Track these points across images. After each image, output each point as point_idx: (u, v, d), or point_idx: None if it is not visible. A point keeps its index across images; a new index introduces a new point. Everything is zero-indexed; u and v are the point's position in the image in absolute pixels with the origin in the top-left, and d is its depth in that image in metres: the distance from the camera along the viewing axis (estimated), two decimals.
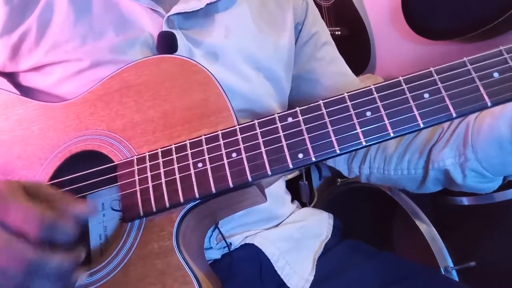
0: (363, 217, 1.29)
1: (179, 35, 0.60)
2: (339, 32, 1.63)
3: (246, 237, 0.66)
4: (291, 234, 0.68)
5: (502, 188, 0.97)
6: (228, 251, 0.63)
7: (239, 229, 0.66)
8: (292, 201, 0.80)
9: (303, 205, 1.19)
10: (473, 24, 1.27)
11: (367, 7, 1.76)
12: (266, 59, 0.67)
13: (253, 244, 0.64)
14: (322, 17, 1.49)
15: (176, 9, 0.60)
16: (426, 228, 1.07)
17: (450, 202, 1.10)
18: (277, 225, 0.71)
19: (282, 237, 0.67)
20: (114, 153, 0.49)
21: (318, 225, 0.74)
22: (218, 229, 0.60)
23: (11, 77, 0.65)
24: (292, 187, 1.30)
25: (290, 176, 1.27)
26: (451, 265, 0.99)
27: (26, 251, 0.37)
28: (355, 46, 1.68)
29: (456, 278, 0.98)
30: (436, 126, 0.62)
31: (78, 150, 0.51)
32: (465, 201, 1.07)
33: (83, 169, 0.49)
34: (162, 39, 0.58)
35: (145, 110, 0.51)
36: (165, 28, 0.60)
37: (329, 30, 1.59)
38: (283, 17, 0.72)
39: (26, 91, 0.64)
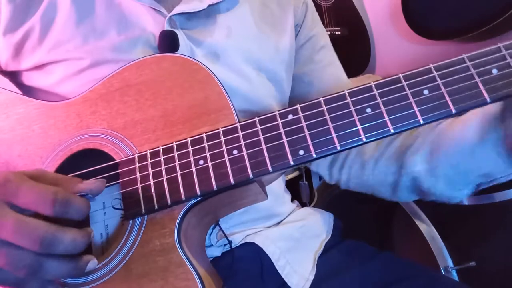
0: (363, 217, 1.29)
1: (180, 35, 0.60)
2: (339, 32, 1.63)
3: (246, 235, 0.66)
4: (292, 234, 0.69)
5: (502, 188, 0.99)
6: (229, 248, 0.64)
7: (240, 227, 0.66)
8: (292, 200, 0.80)
9: (303, 205, 1.20)
10: (473, 24, 1.27)
11: (367, 7, 1.77)
12: (268, 60, 0.68)
13: (254, 243, 0.64)
14: (322, 17, 1.49)
15: (178, 9, 0.61)
16: (426, 228, 1.08)
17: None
18: (277, 224, 0.72)
19: (282, 237, 0.67)
20: (115, 151, 0.50)
21: (318, 224, 0.75)
22: (219, 226, 0.61)
23: (13, 76, 0.65)
24: (292, 187, 1.31)
25: (290, 176, 1.28)
26: (451, 265, 0.99)
27: (39, 228, 0.38)
28: (355, 46, 1.69)
29: (456, 278, 0.99)
30: (410, 132, 0.64)
31: (79, 149, 0.51)
32: (465, 201, 1.06)
33: (84, 168, 0.49)
34: (164, 38, 0.59)
35: (146, 109, 0.51)
36: (167, 28, 0.60)
37: (329, 30, 1.62)
38: (284, 19, 0.73)
39: (27, 90, 0.64)
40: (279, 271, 0.63)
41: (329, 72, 0.78)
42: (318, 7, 1.62)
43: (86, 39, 0.60)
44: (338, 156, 0.76)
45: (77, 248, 0.40)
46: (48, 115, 0.53)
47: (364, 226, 1.26)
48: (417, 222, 1.09)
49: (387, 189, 0.69)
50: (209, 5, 0.63)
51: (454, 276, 0.99)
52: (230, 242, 0.63)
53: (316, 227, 0.74)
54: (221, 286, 0.50)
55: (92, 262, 0.42)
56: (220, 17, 0.66)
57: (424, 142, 0.61)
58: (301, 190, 1.31)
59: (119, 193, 0.48)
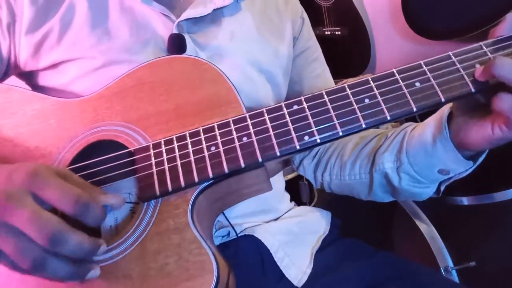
0: (363, 217, 1.33)
1: (187, 39, 0.68)
2: (339, 32, 1.70)
3: (245, 228, 0.73)
4: (290, 228, 0.76)
5: (502, 188, 1.05)
6: (227, 239, 0.71)
7: (240, 219, 0.73)
8: (291, 201, 0.88)
9: (303, 205, 1.24)
10: (473, 24, 1.35)
11: (367, 7, 1.84)
12: (268, 63, 0.77)
13: (252, 235, 0.71)
14: (322, 17, 1.56)
15: (185, 15, 0.69)
16: (426, 228, 1.13)
17: (450, 202, 1.16)
18: (276, 220, 0.78)
19: (281, 230, 0.74)
20: (130, 141, 0.56)
21: (316, 221, 0.82)
22: (223, 213, 0.67)
23: (29, 77, 0.72)
24: (292, 187, 1.36)
25: (290, 176, 1.33)
26: (451, 265, 1.04)
27: (52, 223, 0.41)
28: (355, 46, 1.75)
29: (456, 278, 1.04)
30: (382, 134, 0.74)
31: (95, 140, 0.57)
32: (465, 201, 1.12)
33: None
34: (173, 40, 0.67)
35: (159, 104, 0.57)
36: (175, 32, 0.68)
37: (329, 30, 1.69)
38: (283, 27, 0.82)
39: (42, 91, 0.69)
40: (278, 263, 0.69)
41: (318, 84, 0.88)
42: (318, 7, 1.68)
43: (101, 40, 0.67)
44: (322, 160, 0.85)
45: (82, 253, 0.43)
46: (64, 110, 0.59)
47: (364, 226, 1.31)
48: (417, 222, 1.15)
49: (364, 189, 0.78)
50: (214, 10, 0.71)
51: (454, 276, 1.04)
52: (234, 228, 0.70)
53: (314, 223, 0.81)
54: (230, 268, 0.54)
55: (94, 271, 0.46)
56: (224, 22, 0.75)
57: (392, 142, 0.71)
58: (301, 190, 1.35)
59: (131, 180, 0.53)
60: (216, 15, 0.74)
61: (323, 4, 1.70)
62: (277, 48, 0.79)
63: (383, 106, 0.50)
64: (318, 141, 0.50)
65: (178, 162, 0.52)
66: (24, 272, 0.45)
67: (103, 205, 0.47)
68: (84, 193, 0.44)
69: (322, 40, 1.45)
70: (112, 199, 0.49)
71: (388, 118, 0.49)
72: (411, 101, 0.49)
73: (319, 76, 0.90)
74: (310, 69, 0.89)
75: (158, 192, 0.52)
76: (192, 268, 0.48)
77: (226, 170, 0.51)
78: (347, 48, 1.73)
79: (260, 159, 0.50)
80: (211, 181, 0.52)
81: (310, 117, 0.51)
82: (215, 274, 0.47)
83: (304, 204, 1.38)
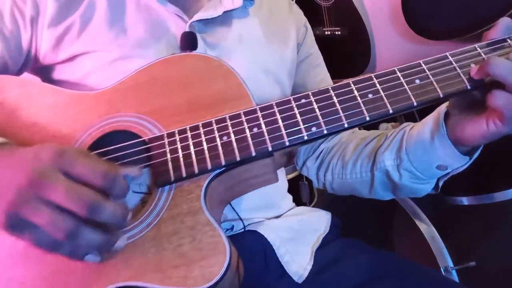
0: (364, 217, 1.38)
1: (198, 38, 0.75)
2: (339, 32, 1.76)
3: (248, 224, 0.78)
4: (292, 226, 0.82)
5: (502, 188, 1.10)
6: (230, 233, 0.76)
7: (244, 213, 0.78)
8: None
9: (303, 205, 1.30)
10: (473, 24, 1.40)
11: (367, 7, 1.90)
12: (274, 64, 0.85)
13: (255, 231, 0.76)
14: (322, 17, 1.62)
15: (197, 16, 0.77)
16: (426, 228, 1.17)
17: (450, 202, 1.21)
18: (277, 217, 0.84)
19: (283, 227, 0.80)
20: (144, 131, 0.61)
21: (316, 220, 0.87)
22: (231, 205, 0.72)
23: (45, 72, 0.78)
24: (293, 187, 1.38)
25: (290, 176, 1.38)
26: (451, 265, 1.09)
27: (89, 194, 0.46)
28: (355, 46, 1.81)
29: (456, 278, 1.08)
30: (382, 135, 0.81)
31: (110, 130, 0.61)
32: (465, 201, 1.18)
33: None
34: (186, 38, 0.74)
35: (172, 97, 0.63)
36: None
37: (329, 30, 1.76)
38: (287, 34, 0.91)
39: (57, 85, 0.74)
40: (280, 259, 0.74)
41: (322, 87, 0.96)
42: (318, 7, 1.74)
43: (118, 35, 0.74)
44: (324, 161, 0.93)
45: (115, 220, 0.48)
46: (80, 102, 0.64)
47: (364, 226, 1.36)
48: (417, 222, 1.19)
49: (365, 187, 0.85)
50: (224, 12, 0.79)
51: (454, 276, 1.08)
52: (241, 220, 0.75)
53: (314, 222, 0.86)
54: (239, 254, 0.58)
55: (122, 240, 0.52)
56: (233, 25, 0.83)
57: (392, 141, 0.77)
58: (301, 190, 1.41)
59: (143, 168, 0.58)
60: (226, 18, 0.81)
61: (323, 4, 1.76)
62: (282, 52, 0.88)
63: (386, 101, 0.56)
64: (325, 132, 0.56)
65: (192, 150, 0.57)
66: (49, 248, 0.48)
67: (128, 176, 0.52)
68: (111, 167, 0.50)
69: (322, 40, 1.51)
70: (131, 170, 0.54)
71: (390, 111, 0.55)
72: (411, 96, 0.56)
73: (323, 80, 0.98)
74: (313, 73, 0.97)
75: (172, 178, 0.56)
76: (205, 249, 0.52)
77: (238, 158, 0.56)
78: (347, 48, 1.79)
79: (270, 148, 0.56)
80: (222, 169, 0.57)
81: (317, 110, 0.57)
82: (228, 254, 0.51)
83: (304, 204, 1.44)
